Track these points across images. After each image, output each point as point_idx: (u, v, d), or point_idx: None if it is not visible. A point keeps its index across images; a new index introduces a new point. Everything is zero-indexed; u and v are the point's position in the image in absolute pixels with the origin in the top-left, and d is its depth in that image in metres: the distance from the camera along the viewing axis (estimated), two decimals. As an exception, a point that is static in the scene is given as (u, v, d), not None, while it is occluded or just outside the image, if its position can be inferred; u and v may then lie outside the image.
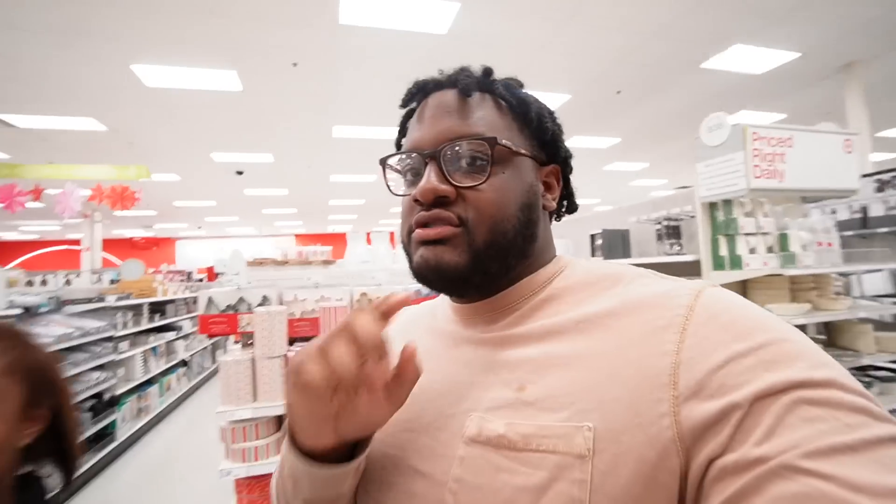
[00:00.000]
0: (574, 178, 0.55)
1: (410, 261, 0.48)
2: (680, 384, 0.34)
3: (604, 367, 0.37)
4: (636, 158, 8.41)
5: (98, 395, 3.96)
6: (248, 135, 6.26)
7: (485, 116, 0.47)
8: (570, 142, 0.52)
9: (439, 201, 0.45)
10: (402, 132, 0.55)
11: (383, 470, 0.45)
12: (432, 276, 0.46)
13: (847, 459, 0.28)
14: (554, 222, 0.55)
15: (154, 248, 16.13)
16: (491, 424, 0.39)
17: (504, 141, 0.46)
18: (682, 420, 0.33)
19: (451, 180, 0.45)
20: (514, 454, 0.37)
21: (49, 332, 3.29)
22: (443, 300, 0.56)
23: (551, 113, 0.52)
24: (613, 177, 9.70)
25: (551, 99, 5.19)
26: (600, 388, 0.37)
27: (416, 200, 0.46)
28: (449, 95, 0.48)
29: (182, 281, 7.66)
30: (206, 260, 14.09)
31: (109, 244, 13.59)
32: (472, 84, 0.48)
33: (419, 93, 0.51)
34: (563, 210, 0.56)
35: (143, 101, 5.00)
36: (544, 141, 0.51)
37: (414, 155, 0.48)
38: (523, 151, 0.48)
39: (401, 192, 0.50)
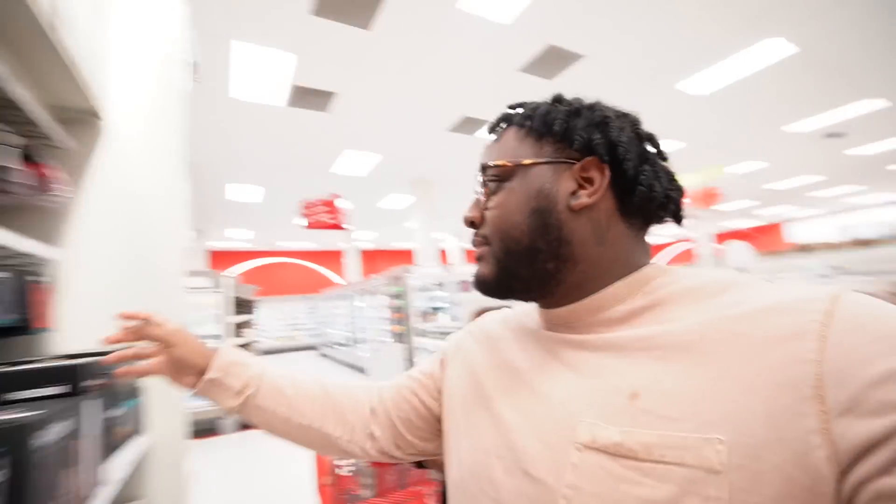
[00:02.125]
0: None
1: None
2: (828, 398, 0.30)
3: (728, 376, 0.33)
4: None
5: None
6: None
7: (500, 146, 0.51)
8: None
9: (472, 225, 0.51)
10: None
11: (490, 467, 0.44)
12: (478, 287, 0.51)
13: None
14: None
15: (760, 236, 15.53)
16: (605, 431, 0.37)
17: (492, 163, 0.49)
18: (836, 440, 0.29)
19: (483, 205, 0.51)
20: (634, 464, 0.34)
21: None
22: (531, 306, 0.55)
23: (590, 107, 0.49)
24: None
25: None
26: (726, 398, 0.33)
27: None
28: (498, 131, 0.54)
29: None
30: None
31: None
32: (493, 125, 0.54)
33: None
34: (637, 203, 0.46)
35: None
36: (571, 140, 0.47)
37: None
38: (527, 161, 0.48)
39: None
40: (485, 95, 4.70)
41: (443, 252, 14.71)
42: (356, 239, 12.49)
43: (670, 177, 0.48)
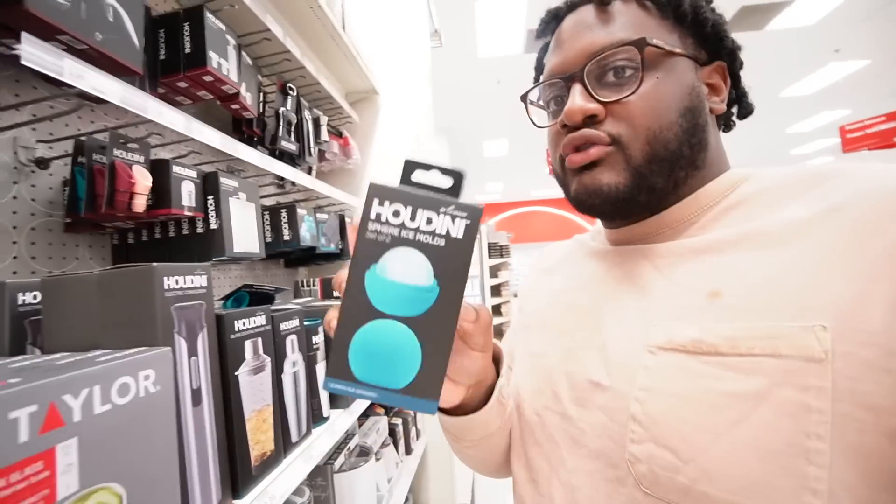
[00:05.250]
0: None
1: (568, 192, 0.45)
2: None
3: (834, 262, 0.30)
4: None
5: None
6: None
7: (629, 21, 0.41)
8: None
9: (588, 122, 0.41)
10: (540, 68, 0.50)
11: (555, 384, 0.43)
12: (594, 202, 0.41)
13: None
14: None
15: None
16: (681, 330, 0.35)
17: (654, 41, 0.39)
18: None
19: (597, 98, 0.40)
20: (717, 359, 0.33)
21: None
22: (593, 229, 0.53)
23: (709, 1, 0.44)
24: None
25: None
26: (831, 283, 0.30)
27: (563, 126, 0.42)
28: (585, 11, 0.42)
29: None
30: None
31: None
32: None
33: (553, 20, 0.46)
34: (735, 115, 0.47)
35: None
36: (704, 36, 0.42)
37: (555, 81, 0.43)
38: (678, 51, 0.41)
39: (546, 124, 0.46)
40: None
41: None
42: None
43: None
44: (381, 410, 1.50)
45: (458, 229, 0.30)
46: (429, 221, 0.30)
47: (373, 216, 0.30)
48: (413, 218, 0.30)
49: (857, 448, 0.27)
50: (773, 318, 0.31)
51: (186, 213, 0.78)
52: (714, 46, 0.43)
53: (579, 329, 0.44)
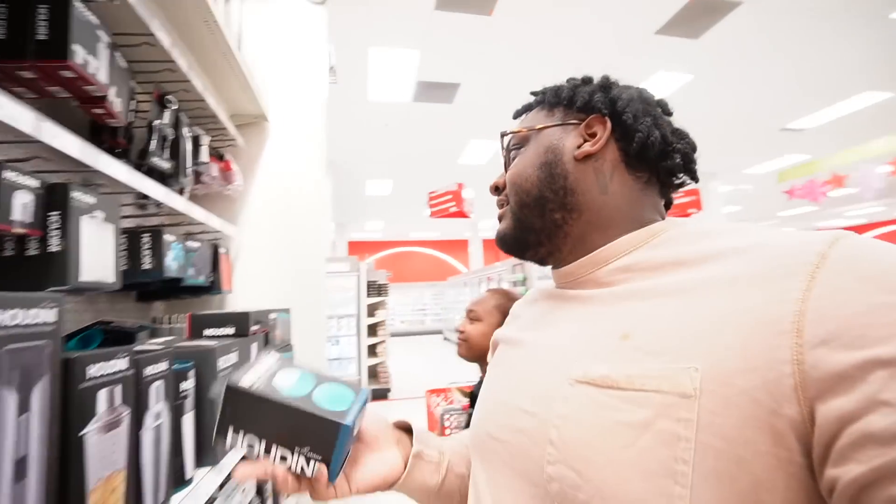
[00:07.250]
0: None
1: None
2: (806, 332, 0.31)
3: (713, 314, 0.36)
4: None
5: None
6: None
7: (528, 119, 0.56)
8: None
9: (497, 191, 0.56)
10: None
11: (495, 412, 0.49)
12: (499, 244, 0.55)
13: None
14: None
15: None
16: (596, 367, 0.40)
17: (510, 130, 0.56)
18: (807, 369, 0.30)
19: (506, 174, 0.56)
20: (617, 392, 0.37)
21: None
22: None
23: (589, 80, 0.55)
24: None
25: None
26: (709, 333, 0.35)
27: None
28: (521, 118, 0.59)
29: None
30: None
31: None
32: (521, 110, 0.59)
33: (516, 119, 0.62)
34: (636, 150, 0.49)
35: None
36: (580, 106, 0.52)
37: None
38: (539, 126, 0.53)
39: None
40: (615, 68, 4.34)
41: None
42: (481, 228, 12.80)
43: (678, 133, 0.51)
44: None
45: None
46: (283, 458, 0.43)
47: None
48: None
49: (713, 471, 0.32)
50: (663, 359, 0.37)
51: (16, 229, 0.62)
52: (590, 108, 0.51)
53: (520, 363, 0.51)
